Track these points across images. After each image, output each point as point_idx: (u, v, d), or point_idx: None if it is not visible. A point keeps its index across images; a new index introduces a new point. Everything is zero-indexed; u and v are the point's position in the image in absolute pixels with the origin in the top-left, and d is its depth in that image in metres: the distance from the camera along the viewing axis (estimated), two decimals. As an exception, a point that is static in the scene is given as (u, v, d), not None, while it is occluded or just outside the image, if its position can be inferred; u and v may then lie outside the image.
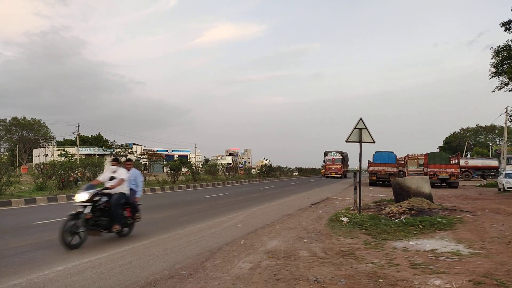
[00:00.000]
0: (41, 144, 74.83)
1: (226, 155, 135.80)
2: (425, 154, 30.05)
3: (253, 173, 50.30)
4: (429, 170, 27.45)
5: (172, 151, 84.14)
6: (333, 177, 48.98)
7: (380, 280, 4.84)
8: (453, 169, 27.27)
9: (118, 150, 68.32)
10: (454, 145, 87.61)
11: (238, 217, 11.34)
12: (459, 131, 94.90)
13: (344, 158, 51.28)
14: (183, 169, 30.94)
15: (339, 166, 49.72)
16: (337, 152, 50.67)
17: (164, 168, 31.02)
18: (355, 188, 11.46)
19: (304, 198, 18.73)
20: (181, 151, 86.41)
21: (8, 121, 72.38)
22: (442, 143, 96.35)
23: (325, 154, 51.04)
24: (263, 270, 5.41)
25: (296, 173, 69.90)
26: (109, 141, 78.50)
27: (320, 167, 67.43)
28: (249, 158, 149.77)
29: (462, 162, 38.56)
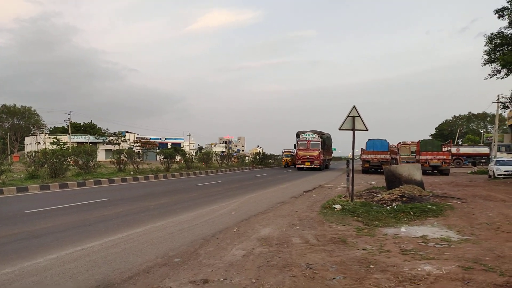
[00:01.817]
0: (32, 132, 74.05)
1: (220, 143, 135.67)
2: (417, 142, 30.28)
3: (247, 161, 49.74)
4: (421, 157, 27.70)
5: (166, 139, 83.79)
6: (309, 168, 34.86)
7: (371, 266, 4.92)
8: (445, 157, 27.55)
9: (111, 138, 67.98)
10: (446, 132, 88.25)
11: (232, 205, 11.39)
12: (451, 118, 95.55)
13: (325, 141, 36.90)
14: (176, 157, 30.86)
15: (316, 153, 34.61)
16: (315, 132, 36.04)
17: (158, 156, 30.93)
18: (348, 176, 11.54)
19: (297, 185, 18.84)
20: (174, 139, 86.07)
21: (-2, 109, 71.35)
22: (434, 130, 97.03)
23: (298, 135, 36.33)
24: (256, 257, 5.47)
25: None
26: (101, 129, 78.01)
27: (282, 154, 48.22)
28: (242, 146, 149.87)
29: (453, 150, 38.95)
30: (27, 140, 72.43)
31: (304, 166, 35.26)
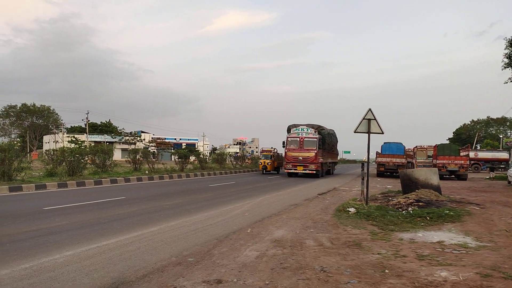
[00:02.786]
0: (51, 131, 75.60)
1: (234, 144, 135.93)
2: (434, 146, 29.79)
3: None
4: (438, 161, 27.24)
5: (180, 139, 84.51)
6: (305, 175, 27.10)
7: (386, 271, 4.85)
8: (463, 161, 27.01)
9: (127, 137, 68.89)
10: (464, 137, 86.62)
11: (245, 206, 11.40)
12: (469, 123, 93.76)
13: (325, 138, 28.45)
14: (191, 158, 31.10)
15: (312, 154, 26.22)
16: (311, 126, 27.60)
17: (172, 156, 31.26)
18: (363, 179, 11.42)
19: (311, 188, 18.74)
20: (189, 139, 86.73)
21: (18, 108, 73.13)
22: (452, 134, 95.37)
23: (288, 130, 27.84)
24: (270, 258, 5.46)
25: None
26: (118, 129, 79.15)
27: (260, 155, 38.00)
28: (256, 148, 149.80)
29: (471, 154, 38.19)
30: (46, 138, 73.97)
31: (295, 171, 26.85)
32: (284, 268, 4.97)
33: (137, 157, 24.93)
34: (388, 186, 19.26)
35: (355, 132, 10.65)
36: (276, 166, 32.84)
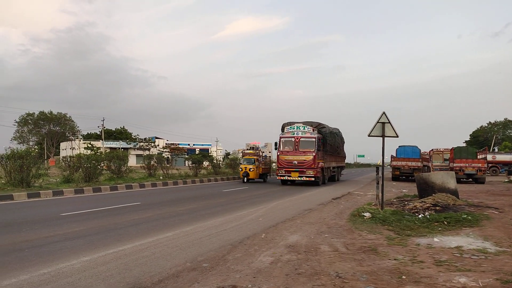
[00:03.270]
0: (68, 138, 77.01)
1: (247, 149, 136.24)
2: (451, 149, 29.33)
3: (274, 167, 49.41)
4: (455, 165, 26.80)
5: (194, 144, 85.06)
6: (304, 183, 23.08)
7: (403, 277, 4.77)
8: (480, 164, 26.52)
9: (142, 143, 69.70)
10: (481, 139, 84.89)
11: (259, 211, 11.38)
12: (486, 125, 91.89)
13: (326, 139, 24.07)
14: (204, 163, 31.26)
15: (309, 158, 22.02)
16: (308, 124, 23.33)
17: (186, 162, 31.43)
18: (378, 183, 11.30)
19: (325, 192, 18.61)
20: (202, 144, 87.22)
21: (36, 115, 74.75)
22: (469, 137, 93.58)
23: (282, 129, 23.90)
24: (284, 264, 5.43)
25: None
26: (132, 135, 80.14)
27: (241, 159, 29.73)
28: (269, 152, 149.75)
29: (489, 157, 37.42)
30: (63, 145, 75.39)
31: (288, 178, 22.50)
32: (299, 274, 4.94)
33: (152, 163, 25.19)
34: (404, 190, 19.00)
35: (369, 135, 10.56)
36: (262, 173, 26.79)
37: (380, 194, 10.86)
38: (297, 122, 23.25)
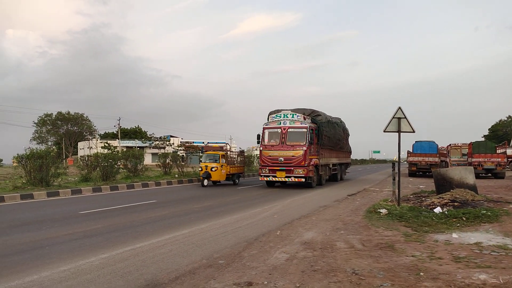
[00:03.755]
0: (85, 137, 78.36)
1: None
2: (469, 143, 28.74)
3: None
4: (473, 160, 26.28)
5: (208, 142, 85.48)
6: (296, 184, 19.87)
7: (421, 274, 4.71)
8: (499, 159, 25.95)
9: (157, 142, 70.40)
10: (501, 133, 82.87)
11: (274, 208, 11.38)
12: (505, 119, 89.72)
13: (321, 129, 19.65)
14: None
15: (299, 153, 17.84)
16: (298, 112, 19.13)
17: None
18: (394, 179, 11.17)
19: (341, 189, 18.48)
20: (216, 142, 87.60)
21: (54, 116, 76.24)
22: (488, 131, 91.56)
23: (268, 118, 19.64)
24: (300, 261, 5.42)
25: None
26: (147, 134, 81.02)
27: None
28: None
29: (509, 152, 36.49)
30: (80, 144, 76.73)
31: (273, 178, 18.19)
32: (315, 271, 4.92)
33: (167, 161, 25.41)
34: (421, 186, 18.73)
35: (384, 131, 10.44)
36: (232, 173, 21.16)
37: (397, 190, 10.73)
38: (285, 109, 18.94)
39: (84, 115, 79.22)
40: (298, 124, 18.23)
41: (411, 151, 29.78)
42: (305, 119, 18.60)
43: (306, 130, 17.98)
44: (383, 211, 9.39)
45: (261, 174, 18.62)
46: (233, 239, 7.01)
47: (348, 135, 26.68)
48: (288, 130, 18.25)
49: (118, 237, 7.22)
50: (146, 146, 68.64)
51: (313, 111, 19.81)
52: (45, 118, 76.44)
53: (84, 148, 69.45)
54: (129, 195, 15.13)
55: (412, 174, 29.60)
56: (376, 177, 30.45)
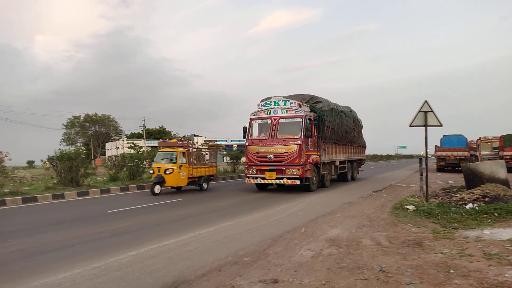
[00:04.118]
0: (112, 138, 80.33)
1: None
2: (500, 137, 27.73)
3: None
4: (505, 153, 25.35)
5: (231, 141, 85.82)
6: (286, 185, 16.77)
7: (451, 271, 4.59)
8: (533, 152, 24.91)
9: (181, 141, 71.30)
10: (535, 125, 79.50)
11: (298, 205, 11.34)
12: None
13: (322, 119, 15.97)
14: (242, 159, 31.50)
15: (292, 148, 14.37)
16: (293, 98, 15.66)
17: (224, 158, 31.82)
18: (421, 175, 10.92)
19: (365, 185, 18.22)
20: (239, 140, 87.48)
21: (82, 118, 78.54)
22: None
23: (258, 105, 15.94)
24: (325, 258, 5.39)
25: None
26: (171, 133, 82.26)
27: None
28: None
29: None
30: (108, 145, 78.67)
31: (262, 180, 15.08)
32: (341, 268, 4.88)
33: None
34: (450, 182, 18.22)
35: (410, 126, 10.21)
36: (199, 176, 16.61)
37: (424, 186, 10.48)
38: (277, 96, 15.72)
39: (111, 117, 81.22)
40: (291, 113, 14.92)
41: (439, 145, 29.03)
42: (300, 106, 15.26)
43: (301, 120, 14.64)
44: (411, 207, 9.20)
45: (248, 175, 15.43)
46: (258, 237, 7.03)
47: (361, 127, 22.88)
48: (280, 121, 14.97)
49: (145, 235, 7.38)
50: (170, 146, 69.59)
51: (312, 97, 16.60)
52: (74, 120, 78.80)
53: (112, 149, 71.14)
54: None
55: (440, 169, 28.87)
56: (400, 174, 28.31)
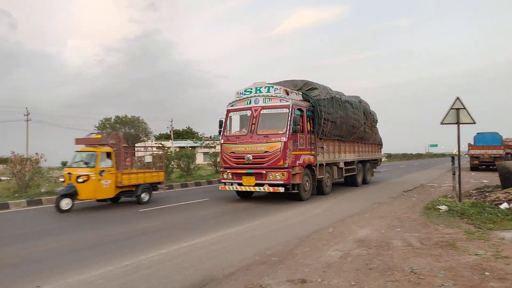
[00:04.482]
0: (141, 139, 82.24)
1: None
2: (539, 134, 26.45)
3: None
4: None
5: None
6: (269, 193, 13.03)
7: (486, 273, 4.43)
8: None
9: (207, 141, 72.18)
10: None
11: (325, 205, 11.23)
12: None
13: (319, 108, 12.73)
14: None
15: (275, 146, 11.12)
16: (281, 84, 12.91)
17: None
18: (454, 174, 10.58)
19: (396, 184, 17.80)
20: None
21: (113, 120, 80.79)
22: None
23: (236, 94, 12.89)
24: (354, 259, 5.31)
25: (385, 158, 66.94)
26: (198, 134, 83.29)
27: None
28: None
29: None
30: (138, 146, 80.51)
31: (239, 187, 11.89)
32: (370, 269, 4.80)
33: (218, 160, 25.93)
34: (484, 181, 17.55)
35: (441, 123, 9.92)
36: (136, 184, 12.25)
37: (457, 185, 10.15)
38: (259, 82, 12.55)
39: (140, 118, 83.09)
40: (276, 102, 11.81)
41: (473, 143, 28.02)
42: (288, 94, 12.17)
43: (287, 111, 11.51)
44: (443, 207, 8.94)
45: (222, 180, 12.41)
46: (285, 236, 7.01)
47: (374, 121, 18.86)
48: (261, 112, 11.90)
49: (174, 234, 7.51)
50: (197, 146, 70.61)
51: (306, 83, 13.68)
52: (105, 122, 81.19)
53: (140, 150, 72.75)
54: (183, 194, 15.66)
55: (474, 168, 27.85)
56: (431, 173, 26.67)
